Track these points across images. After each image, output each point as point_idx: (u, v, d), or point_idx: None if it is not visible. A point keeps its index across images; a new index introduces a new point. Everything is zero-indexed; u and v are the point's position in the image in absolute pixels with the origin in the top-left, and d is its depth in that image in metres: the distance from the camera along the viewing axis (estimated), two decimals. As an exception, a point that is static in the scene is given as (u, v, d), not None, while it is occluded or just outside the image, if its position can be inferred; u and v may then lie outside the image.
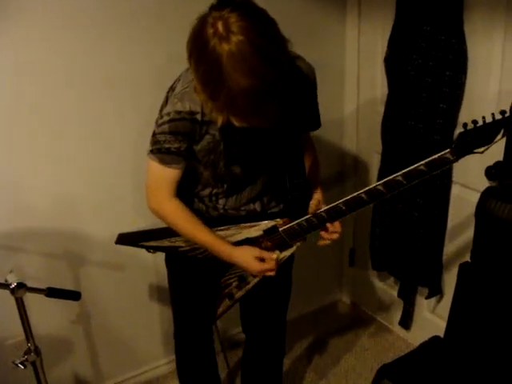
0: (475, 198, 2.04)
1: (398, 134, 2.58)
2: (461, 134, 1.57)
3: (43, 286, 1.87)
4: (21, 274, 2.00)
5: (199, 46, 1.43)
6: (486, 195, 1.98)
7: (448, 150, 1.60)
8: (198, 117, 1.66)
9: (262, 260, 1.86)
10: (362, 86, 2.89)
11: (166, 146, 1.70)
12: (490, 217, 1.95)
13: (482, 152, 1.61)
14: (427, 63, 2.33)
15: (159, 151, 1.72)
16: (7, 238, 2.27)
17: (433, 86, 2.34)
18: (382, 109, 2.67)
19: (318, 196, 1.92)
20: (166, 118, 1.68)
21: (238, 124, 1.57)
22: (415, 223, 2.61)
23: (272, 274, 1.87)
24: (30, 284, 1.79)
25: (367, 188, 1.72)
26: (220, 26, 1.38)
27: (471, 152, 1.60)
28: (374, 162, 2.92)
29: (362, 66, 2.85)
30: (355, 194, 1.73)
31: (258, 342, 2.34)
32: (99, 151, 2.35)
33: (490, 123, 1.58)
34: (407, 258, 2.73)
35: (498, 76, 2.17)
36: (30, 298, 1.87)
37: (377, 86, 2.78)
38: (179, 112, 1.65)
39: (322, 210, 1.81)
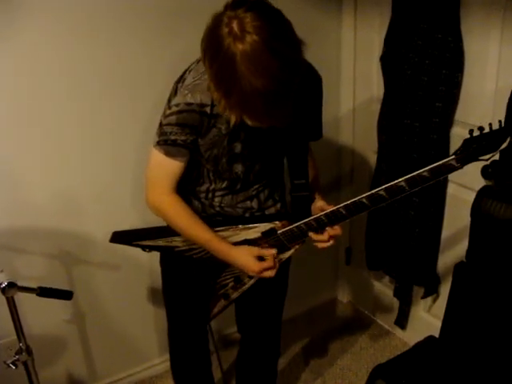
0: (471, 197, 2.03)
1: (394, 132, 2.57)
2: (466, 140, 1.56)
3: (35, 286, 1.85)
4: (14, 274, 1.99)
5: (213, 44, 1.43)
6: (481, 194, 1.97)
7: (453, 156, 1.58)
8: (208, 109, 1.65)
9: (260, 259, 1.85)
10: (358, 85, 2.88)
11: (173, 137, 1.68)
12: (485, 216, 1.94)
13: (488, 160, 1.60)
14: (423, 61, 2.32)
15: (165, 143, 1.70)
16: (0, 236, 2.25)
17: (429, 85, 2.33)
18: (378, 107, 2.66)
19: (320, 204, 1.89)
20: (174, 109, 1.66)
21: (251, 123, 1.57)
22: (411, 222, 2.60)
23: (271, 274, 1.85)
24: (21, 283, 1.77)
25: (369, 193, 1.69)
26: (235, 25, 1.38)
27: (476, 159, 1.59)
28: (370, 161, 2.91)
29: (357, 64, 2.83)
30: (356, 198, 1.71)
31: (253, 342, 2.33)
32: (97, 150, 2.34)
33: (496, 130, 1.56)
34: (403, 258, 2.72)
35: (494, 74, 2.16)
36: (24, 298, 1.86)
37: (373, 84, 2.76)
38: (189, 104, 1.63)
39: (322, 213, 1.78)
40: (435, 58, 2.27)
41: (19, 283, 1.76)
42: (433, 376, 2.09)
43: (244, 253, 1.85)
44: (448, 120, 2.35)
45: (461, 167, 1.59)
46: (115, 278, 2.60)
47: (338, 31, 2.80)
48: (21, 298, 1.82)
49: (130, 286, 2.67)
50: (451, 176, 2.43)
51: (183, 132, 1.67)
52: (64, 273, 2.46)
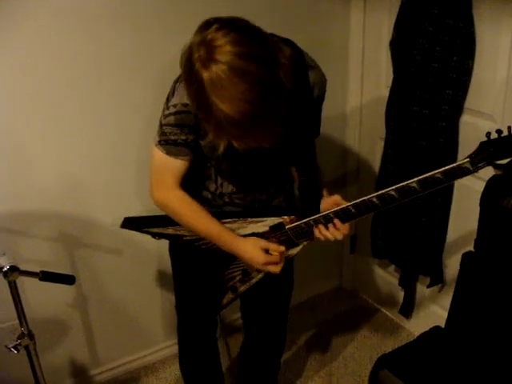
0: (480, 186, 2.01)
1: (402, 119, 2.54)
2: (482, 143, 1.50)
3: (38, 270, 1.83)
4: (17, 257, 1.98)
5: (187, 67, 1.39)
6: (491, 184, 1.94)
7: (467, 159, 1.52)
8: None
9: (267, 252, 1.83)
10: (367, 70, 2.84)
11: (173, 137, 1.68)
12: (495, 206, 1.92)
13: (505, 164, 1.54)
14: (434, 48, 2.28)
15: (166, 143, 1.70)
16: (2, 219, 2.24)
17: (439, 72, 2.29)
18: (386, 94, 2.62)
19: (336, 198, 1.82)
20: (172, 110, 1.64)
21: (238, 147, 1.51)
22: (418, 211, 2.58)
23: (276, 269, 1.82)
24: (24, 267, 1.76)
25: (380, 192, 1.65)
26: (202, 50, 1.34)
27: (492, 163, 1.52)
28: (377, 148, 2.88)
29: (366, 50, 2.79)
30: (366, 197, 1.67)
31: (258, 338, 2.33)
32: (101, 135, 2.31)
33: None
34: (409, 247, 2.70)
35: (506, 61, 2.12)
36: (26, 281, 1.85)
37: (382, 70, 2.73)
38: (186, 105, 1.61)
39: (331, 211, 1.75)
40: (446, 44, 2.24)
41: (21, 267, 1.74)
42: (439, 367, 2.08)
43: (251, 244, 1.82)
44: (458, 107, 2.31)
45: (476, 171, 1.53)
46: (118, 262, 2.59)
47: (346, 15, 2.75)
48: (23, 281, 1.80)
49: (133, 271, 2.66)
50: (460, 164, 2.40)
51: (182, 132, 1.67)
52: (67, 257, 2.45)
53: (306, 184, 1.83)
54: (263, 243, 1.83)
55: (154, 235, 2.01)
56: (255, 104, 1.34)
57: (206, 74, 1.33)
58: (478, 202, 2.01)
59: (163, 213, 1.93)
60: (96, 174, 2.37)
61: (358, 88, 2.91)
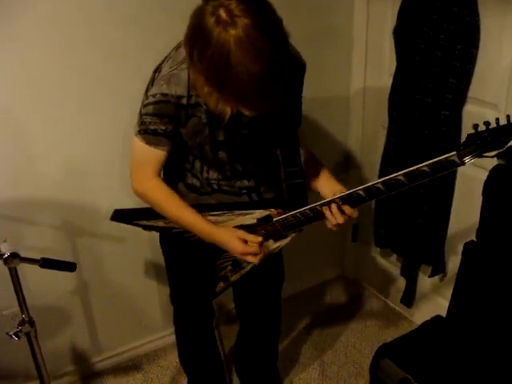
0: (483, 175, 2.00)
1: (405, 108, 2.52)
2: (470, 135, 1.48)
3: (39, 257, 1.83)
4: (18, 244, 1.98)
5: (201, 37, 1.38)
6: (494, 173, 1.94)
7: (454, 152, 1.50)
8: (184, 101, 1.63)
9: (246, 242, 1.82)
10: (370, 58, 2.82)
11: (152, 127, 1.68)
12: (498, 195, 1.91)
13: (493, 156, 1.51)
14: (438, 36, 2.27)
15: (145, 132, 1.70)
16: (4, 207, 2.23)
17: (443, 60, 2.28)
18: (389, 82, 2.61)
19: (339, 188, 1.81)
20: (151, 100, 1.65)
21: (248, 113, 1.53)
22: (420, 199, 2.57)
23: (254, 260, 1.81)
24: (24, 254, 1.76)
25: (366, 185, 1.64)
26: (222, 12, 1.34)
27: (480, 156, 1.50)
28: (380, 137, 2.86)
29: (370, 37, 2.77)
30: (353, 190, 1.66)
31: (252, 328, 2.35)
32: (101, 124, 2.31)
33: (504, 126, 1.46)
34: (411, 235, 2.70)
35: (510, 51, 2.10)
36: (27, 268, 1.85)
37: (385, 58, 2.71)
38: (165, 95, 1.62)
39: (319, 203, 1.74)
40: (450, 32, 2.22)
41: (22, 254, 1.74)
42: (440, 356, 2.08)
43: (228, 233, 1.82)
44: (461, 97, 2.30)
45: (463, 164, 1.51)
46: (120, 250, 2.59)
47: (350, 2, 2.73)
48: (24, 268, 1.80)
49: (134, 259, 2.66)
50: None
51: (162, 122, 1.67)
52: (68, 244, 2.45)
53: (292, 174, 1.82)
54: (241, 234, 1.81)
55: (144, 228, 2.02)
56: (273, 63, 1.38)
57: (233, 32, 1.33)
58: (481, 191, 2.00)
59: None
60: (98, 162, 2.36)
61: (361, 76, 2.89)
